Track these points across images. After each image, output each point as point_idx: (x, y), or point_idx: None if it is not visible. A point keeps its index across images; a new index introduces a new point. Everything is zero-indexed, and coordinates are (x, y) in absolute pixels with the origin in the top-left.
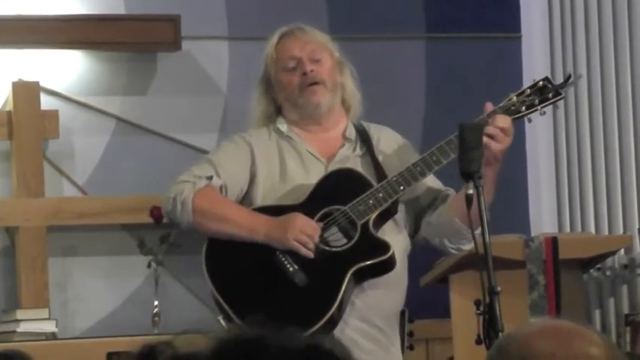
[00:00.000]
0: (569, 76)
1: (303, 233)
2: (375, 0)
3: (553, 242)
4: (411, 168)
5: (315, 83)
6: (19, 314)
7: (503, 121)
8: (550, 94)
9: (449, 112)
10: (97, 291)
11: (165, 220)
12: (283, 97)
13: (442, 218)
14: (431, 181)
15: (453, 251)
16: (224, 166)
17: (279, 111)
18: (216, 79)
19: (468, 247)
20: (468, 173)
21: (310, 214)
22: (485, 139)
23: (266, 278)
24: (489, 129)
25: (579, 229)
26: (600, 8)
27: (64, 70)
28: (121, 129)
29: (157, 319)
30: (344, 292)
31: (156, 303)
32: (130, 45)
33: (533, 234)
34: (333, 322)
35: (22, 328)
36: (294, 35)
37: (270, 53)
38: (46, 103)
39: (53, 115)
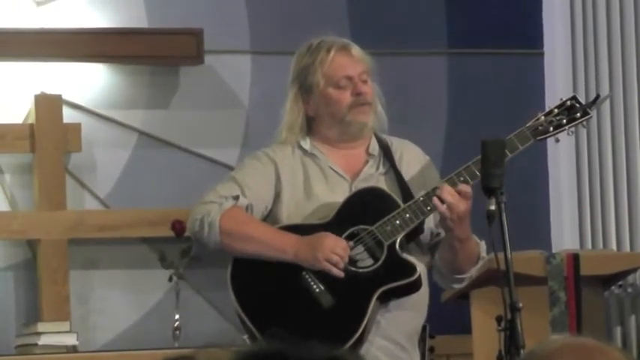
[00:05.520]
0: (598, 96)
1: (334, 253)
2: (397, 15)
3: (574, 258)
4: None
5: (365, 104)
6: (40, 327)
7: (463, 186)
8: (578, 114)
9: (470, 127)
10: (118, 304)
11: (187, 234)
12: (327, 112)
13: (436, 258)
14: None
15: (444, 286)
16: (249, 184)
17: (307, 123)
18: (238, 93)
19: (458, 286)
20: (489, 189)
21: (337, 234)
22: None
23: (292, 298)
24: (446, 195)
25: (601, 245)
26: (623, 24)
27: (87, 84)
28: (142, 142)
29: (177, 332)
30: (370, 314)
31: (177, 316)
32: (152, 58)
33: (554, 250)
34: (360, 344)
35: (43, 341)
36: (350, 53)
37: (320, 64)
38: (69, 116)
39: (75, 128)
